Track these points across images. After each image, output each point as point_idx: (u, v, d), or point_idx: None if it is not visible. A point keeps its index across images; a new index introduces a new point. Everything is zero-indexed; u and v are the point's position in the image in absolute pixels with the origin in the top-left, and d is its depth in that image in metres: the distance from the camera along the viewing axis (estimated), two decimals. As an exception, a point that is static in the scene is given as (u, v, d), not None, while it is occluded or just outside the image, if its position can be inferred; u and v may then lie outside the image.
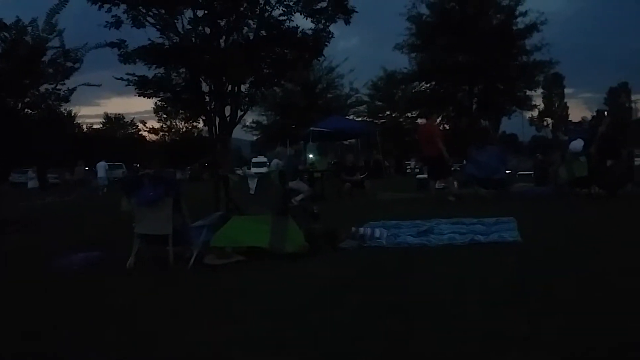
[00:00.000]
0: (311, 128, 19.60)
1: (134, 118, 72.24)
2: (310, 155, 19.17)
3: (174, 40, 10.38)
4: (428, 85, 36.58)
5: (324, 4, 10.63)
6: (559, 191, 11.47)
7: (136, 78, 10.53)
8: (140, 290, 4.56)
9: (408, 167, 40.03)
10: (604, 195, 10.45)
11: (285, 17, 10.63)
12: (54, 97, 12.29)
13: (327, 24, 10.85)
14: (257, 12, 10.51)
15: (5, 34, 11.09)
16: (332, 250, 5.74)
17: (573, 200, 10.45)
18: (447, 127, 35.04)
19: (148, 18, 10.21)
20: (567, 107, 70.23)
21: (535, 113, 53.30)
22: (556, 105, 68.67)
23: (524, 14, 32.27)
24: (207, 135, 12.29)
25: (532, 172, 15.59)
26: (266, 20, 10.59)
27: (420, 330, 3.08)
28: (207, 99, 10.74)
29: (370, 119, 46.30)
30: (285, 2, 10.54)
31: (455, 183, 13.87)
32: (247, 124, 43.59)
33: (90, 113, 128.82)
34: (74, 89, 12.49)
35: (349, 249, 5.86)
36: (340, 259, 5.43)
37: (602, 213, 8.37)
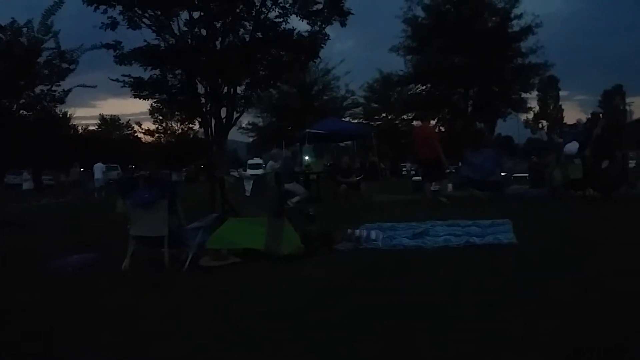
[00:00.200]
0: (307, 130, 19.57)
1: (129, 119, 72.28)
2: (306, 157, 19.16)
3: (170, 42, 10.37)
4: (424, 87, 36.69)
5: (319, 6, 10.65)
6: (554, 193, 11.50)
7: (132, 79, 10.52)
8: (135, 292, 4.55)
9: (404, 169, 40.11)
10: (599, 197, 10.49)
11: (281, 19, 10.65)
12: (49, 98, 12.27)
13: (323, 26, 10.87)
14: (253, 14, 10.52)
15: (0, 35, 11.06)
16: (327, 252, 5.75)
17: (568, 202, 10.48)
18: (442, 129, 35.14)
19: (144, 19, 10.20)
20: (562, 110, 70.64)
21: (530, 115, 53.58)
22: (551, 107, 68.95)
23: (519, 16, 32.45)
24: (202, 137, 12.28)
25: (527, 175, 15.63)
26: (262, 22, 10.59)
27: (417, 332, 3.09)
28: (203, 100, 10.73)
29: (366, 121, 46.37)
30: (281, 4, 10.55)
31: (450, 185, 13.93)
32: (243, 125, 43.58)
33: (85, 114, 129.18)
34: (69, 91, 12.48)
35: (345, 250, 5.87)
36: (336, 260, 5.43)
37: (597, 215, 8.40)
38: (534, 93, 49.76)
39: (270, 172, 9.60)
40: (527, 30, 32.37)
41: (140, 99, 11.01)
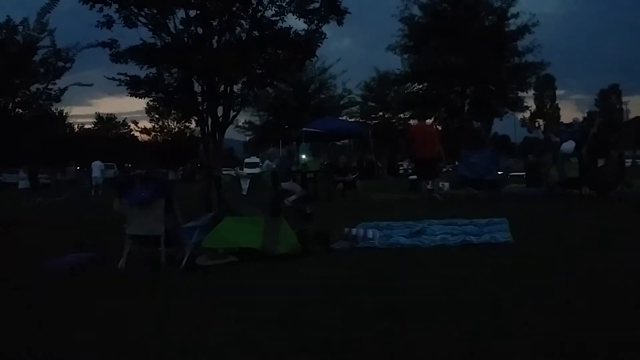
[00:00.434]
0: (304, 129, 19.59)
1: (125, 118, 72.17)
2: (303, 156, 19.17)
3: (166, 40, 10.34)
4: (421, 86, 36.72)
5: (316, 5, 10.62)
6: (551, 192, 11.53)
7: (128, 78, 10.46)
8: (131, 292, 4.54)
9: (401, 168, 40.12)
10: (595, 196, 10.51)
11: (278, 18, 10.61)
12: (45, 96, 12.26)
13: (320, 24, 10.84)
14: (250, 13, 10.48)
15: (-5, 33, 11.04)
16: (324, 251, 5.74)
17: (564, 201, 10.51)
18: (439, 128, 35.18)
19: (140, 18, 10.15)
20: (559, 109, 70.71)
21: (527, 114, 53.58)
22: (548, 106, 69.01)
23: (516, 15, 32.52)
24: (199, 135, 12.26)
25: (523, 173, 15.67)
26: (259, 21, 10.56)
27: (414, 331, 3.08)
28: (200, 99, 10.70)
29: (363, 120, 46.43)
30: (277, 3, 10.52)
31: (447, 184, 13.97)
32: (240, 124, 43.59)
33: (82, 113, 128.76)
34: (65, 89, 12.47)
35: (342, 249, 5.87)
36: (333, 259, 5.43)
37: (593, 214, 8.43)
38: (531, 92, 49.74)
39: (266, 171, 9.59)
40: (524, 29, 32.44)
41: (136, 97, 10.97)
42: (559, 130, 14.03)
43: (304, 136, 19.40)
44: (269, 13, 10.58)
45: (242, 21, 10.60)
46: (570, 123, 14.55)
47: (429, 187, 12.18)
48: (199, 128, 11.26)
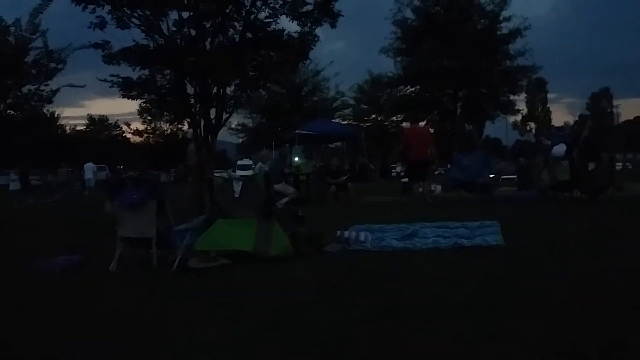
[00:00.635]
0: (297, 131, 19.60)
1: (118, 120, 71.81)
2: (296, 159, 19.20)
3: (159, 42, 10.30)
4: (413, 89, 36.87)
5: (309, 7, 10.62)
6: (542, 195, 11.58)
7: (120, 79, 10.41)
8: (123, 294, 4.52)
9: (393, 170, 40.18)
10: (586, 199, 10.57)
11: (271, 20, 10.59)
12: (37, 98, 12.19)
13: (313, 27, 10.83)
14: (243, 15, 10.46)
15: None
16: (317, 254, 5.74)
17: (555, 204, 10.57)
18: (431, 130, 35.31)
19: (133, 19, 10.10)
20: (550, 112, 71.13)
21: (518, 118, 53.85)
22: (539, 110, 69.41)
23: (508, 19, 32.73)
24: (191, 137, 12.22)
25: (515, 176, 15.73)
26: (252, 23, 10.53)
27: (407, 333, 3.09)
28: (192, 101, 10.67)
29: (356, 123, 46.52)
30: (271, 5, 10.51)
31: (439, 187, 14.01)
32: (233, 126, 43.56)
33: (74, 114, 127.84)
34: (57, 90, 12.39)
35: (334, 252, 5.87)
36: (325, 262, 5.43)
37: (584, 217, 8.47)
38: (522, 95, 50.02)
39: (259, 174, 9.60)
40: (516, 33, 32.66)
41: (128, 99, 10.90)
42: (550, 134, 14.08)
43: (296, 138, 19.41)
44: (262, 15, 10.56)
45: (235, 23, 10.58)
46: (562, 126, 14.63)
47: (420, 189, 12.22)
48: (191, 130, 11.22)
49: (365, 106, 49.28)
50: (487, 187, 12.10)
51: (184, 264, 5.29)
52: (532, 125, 67.07)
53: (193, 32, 10.33)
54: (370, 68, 48.22)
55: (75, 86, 13.59)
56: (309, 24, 10.78)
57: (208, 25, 10.36)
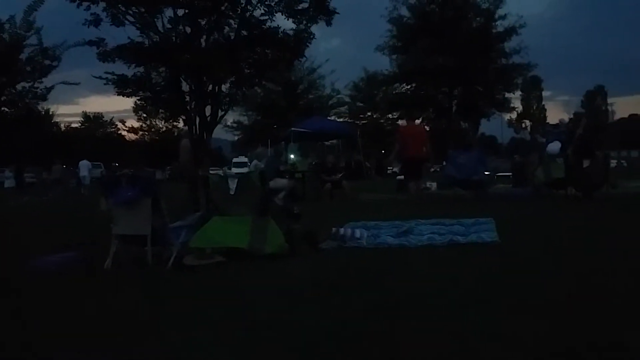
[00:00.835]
0: (292, 128, 19.61)
1: (113, 117, 71.42)
2: (292, 156, 19.18)
3: (154, 39, 10.27)
4: (409, 87, 36.93)
5: (305, 5, 10.61)
6: (537, 192, 11.62)
7: (115, 77, 10.38)
8: (118, 292, 4.51)
9: (389, 168, 40.23)
10: (580, 196, 10.61)
11: (267, 17, 10.58)
12: (31, 95, 12.17)
13: (309, 24, 10.82)
14: (238, 12, 10.43)
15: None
16: (312, 251, 5.75)
17: (550, 201, 10.60)
18: (427, 128, 35.36)
19: (128, 16, 10.08)
20: (545, 110, 71.27)
21: (513, 115, 54.03)
22: (534, 107, 69.55)
23: (503, 17, 32.82)
24: (184, 133, 12.20)
25: (510, 174, 15.77)
26: (247, 20, 10.51)
27: (403, 331, 3.09)
28: (188, 98, 10.65)
29: (352, 120, 46.55)
30: (266, 2, 10.49)
31: (435, 184, 14.04)
32: (228, 123, 43.49)
33: (68, 112, 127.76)
34: (51, 87, 12.37)
35: (329, 249, 5.87)
36: (321, 259, 5.44)
37: (579, 214, 8.51)
38: (518, 93, 50.38)
39: (255, 171, 9.59)
40: (511, 31, 32.75)
41: (123, 96, 10.86)
42: (545, 131, 14.14)
43: (292, 136, 19.42)
44: (257, 12, 10.54)
45: (231, 20, 10.56)
46: (557, 124, 14.66)
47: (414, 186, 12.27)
48: (186, 127, 11.20)
49: (361, 104, 49.28)
50: (482, 185, 12.13)
51: (179, 261, 5.29)
52: (527, 122, 67.12)
53: (188, 30, 10.31)
54: (366, 66, 48.43)
55: (70, 83, 13.56)
56: (304, 22, 10.77)
57: (203, 22, 10.34)
